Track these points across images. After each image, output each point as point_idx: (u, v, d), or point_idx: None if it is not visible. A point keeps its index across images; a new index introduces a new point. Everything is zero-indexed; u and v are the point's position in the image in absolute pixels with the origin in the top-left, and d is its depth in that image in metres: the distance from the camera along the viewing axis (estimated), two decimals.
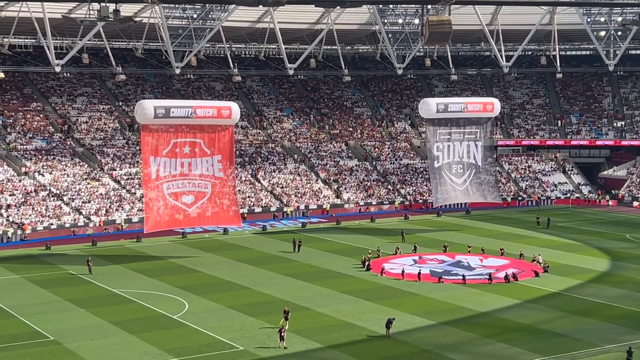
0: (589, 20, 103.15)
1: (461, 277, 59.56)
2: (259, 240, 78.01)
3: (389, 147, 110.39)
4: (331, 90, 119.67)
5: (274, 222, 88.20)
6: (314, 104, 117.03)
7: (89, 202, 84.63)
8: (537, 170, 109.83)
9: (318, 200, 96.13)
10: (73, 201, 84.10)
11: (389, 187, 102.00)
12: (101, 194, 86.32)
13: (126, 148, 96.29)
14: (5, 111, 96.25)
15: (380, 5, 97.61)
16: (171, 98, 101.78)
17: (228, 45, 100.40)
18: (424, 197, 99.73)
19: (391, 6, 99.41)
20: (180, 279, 60.34)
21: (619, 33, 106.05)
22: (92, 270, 62.11)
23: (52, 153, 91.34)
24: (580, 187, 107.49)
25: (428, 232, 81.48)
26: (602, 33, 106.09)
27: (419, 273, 60.38)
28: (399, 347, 43.77)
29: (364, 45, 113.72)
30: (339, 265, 65.29)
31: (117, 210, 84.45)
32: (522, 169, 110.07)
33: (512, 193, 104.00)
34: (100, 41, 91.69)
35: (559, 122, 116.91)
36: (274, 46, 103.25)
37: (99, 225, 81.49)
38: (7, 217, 78.77)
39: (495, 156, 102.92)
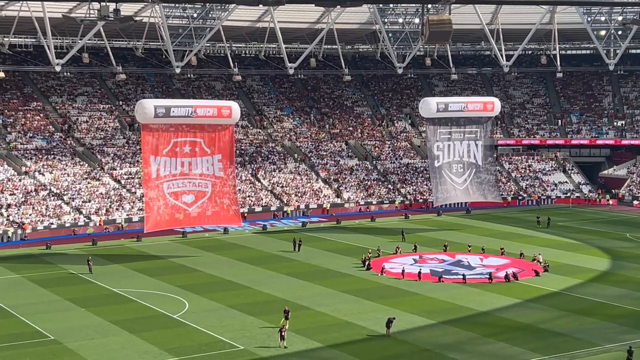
0: (589, 19, 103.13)
1: (461, 277, 59.55)
2: (259, 239, 78.01)
3: (389, 147, 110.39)
4: (331, 89, 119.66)
5: (274, 222, 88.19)
6: (314, 103, 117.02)
7: (89, 201, 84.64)
8: (537, 170, 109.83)
9: (318, 199, 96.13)
10: (73, 200, 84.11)
11: (389, 186, 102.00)
12: (101, 194, 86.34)
13: (126, 147, 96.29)
14: (6, 110, 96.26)
15: (381, 5, 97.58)
16: (171, 97, 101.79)
17: (228, 45, 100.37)
18: (424, 197, 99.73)
19: (391, 5, 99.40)
20: (181, 278, 60.35)
21: (619, 32, 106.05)
22: (92, 269, 62.12)
23: (52, 152, 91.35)
24: (580, 186, 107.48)
25: (428, 232, 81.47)
26: (603, 32, 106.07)
27: (419, 272, 60.38)
28: (399, 346, 43.77)
29: (364, 44, 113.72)
30: (339, 264, 65.29)
31: (117, 209, 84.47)
32: (522, 168, 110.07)
33: (512, 192, 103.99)
34: (101, 40, 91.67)
35: (559, 121, 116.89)
36: (274, 45, 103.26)
37: (99, 224, 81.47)
38: (8, 216, 78.78)
39: (495, 155, 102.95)
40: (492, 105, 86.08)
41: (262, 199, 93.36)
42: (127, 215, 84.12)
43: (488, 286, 57.53)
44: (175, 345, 43.62)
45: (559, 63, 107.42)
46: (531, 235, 79.49)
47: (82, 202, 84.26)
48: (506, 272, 60.38)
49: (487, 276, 59.61)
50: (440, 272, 61.58)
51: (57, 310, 51.45)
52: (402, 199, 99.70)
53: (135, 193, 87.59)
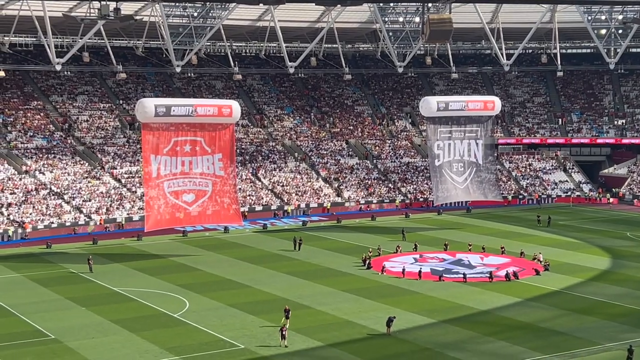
0: (589, 18, 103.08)
1: (462, 276, 59.56)
2: (259, 238, 78.01)
3: (389, 146, 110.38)
4: (332, 88, 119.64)
5: (274, 221, 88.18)
6: (315, 102, 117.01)
7: (90, 200, 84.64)
8: (537, 169, 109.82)
9: (319, 198, 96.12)
10: (74, 200, 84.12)
11: (390, 185, 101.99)
12: (102, 193, 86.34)
13: (127, 146, 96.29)
14: (6, 110, 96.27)
15: (381, 4, 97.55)
16: (172, 96, 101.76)
17: (229, 44, 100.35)
18: (425, 196, 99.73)
19: (392, 4, 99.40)
20: (181, 277, 60.36)
21: (620, 31, 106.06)
22: (92, 268, 62.12)
23: (52, 151, 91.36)
24: (581, 185, 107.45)
25: (429, 231, 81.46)
26: (603, 31, 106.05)
27: (420, 271, 60.39)
28: (399, 345, 43.76)
29: (365, 43, 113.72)
30: (339, 263, 65.29)
31: (117, 208, 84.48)
32: (522, 167, 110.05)
33: (512, 191, 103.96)
34: (101, 39, 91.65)
35: (560, 120, 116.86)
36: (275, 44, 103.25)
37: (100, 223, 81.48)
38: (8, 215, 78.80)
39: (496, 154, 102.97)
40: (493, 104, 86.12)
41: (262, 198, 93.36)
42: (128, 214, 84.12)
43: (488, 285, 57.53)
44: (176, 344, 43.62)
45: (559, 62, 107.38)
46: (532, 234, 79.47)
47: (83, 201, 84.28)
48: (507, 271, 60.38)
49: (488, 275, 59.61)
50: (440, 271, 61.59)
51: (57, 309, 51.45)
52: (402, 198, 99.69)
53: (136, 192, 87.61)
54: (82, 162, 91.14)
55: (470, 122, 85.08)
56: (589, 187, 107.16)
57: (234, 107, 73.98)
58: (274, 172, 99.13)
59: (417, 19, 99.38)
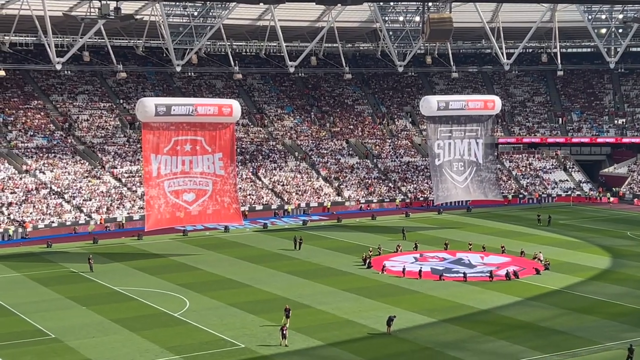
0: (589, 17, 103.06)
1: (462, 275, 59.57)
2: (259, 238, 78.02)
3: (389, 145, 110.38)
4: (332, 87, 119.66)
5: (274, 220, 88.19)
6: (315, 101, 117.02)
7: (90, 200, 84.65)
8: (538, 168, 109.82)
9: (319, 198, 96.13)
10: (74, 199, 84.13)
11: (390, 184, 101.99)
12: (102, 192, 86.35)
13: (127, 146, 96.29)
14: (6, 109, 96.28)
15: (381, 3, 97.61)
16: (172, 96, 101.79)
17: (229, 43, 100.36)
18: (425, 195, 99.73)
19: (392, 3, 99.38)
20: (181, 276, 60.38)
21: (620, 30, 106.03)
22: (93, 268, 62.15)
23: (53, 151, 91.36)
24: (581, 184, 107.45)
25: (429, 230, 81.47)
26: (603, 30, 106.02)
27: (420, 271, 60.41)
28: (399, 344, 43.78)
29: (365, 42, 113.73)
30: (339, 262, 65.31)
31: (118, 208, 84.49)
32: (523, 166, 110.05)
33: (513, 191, 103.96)
34: (101, 39, 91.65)
35: (560, 119, 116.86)
36: (275, 44, 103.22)
37: (100, 223, 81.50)
38: (8, 215, 78.81)
39: (496, 154, 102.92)
40: (493, 103, 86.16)
41: (262, 198, 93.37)
42: (128, 213, 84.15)
43: (489, 284, 57.55)
44: (176, 344, 43.63)
45: (559, 61, 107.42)
46: (532, 233, 79.49)
47: (83, 200, 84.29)
48: (507, 270, 60.40)
49: (488, 274, 59.63)
50: (441, 271, 61.60)
51: (58, 308, 51.47)
52: (402, 197, 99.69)
53: (136, 191, 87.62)
54: (82, 162, 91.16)
55: (471, 121, 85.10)
56: (589, 186, 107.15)
57: (234, 106, 73.99)
58: (274, 171, 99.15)
59: (418, 18, 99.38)
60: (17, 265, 64.76)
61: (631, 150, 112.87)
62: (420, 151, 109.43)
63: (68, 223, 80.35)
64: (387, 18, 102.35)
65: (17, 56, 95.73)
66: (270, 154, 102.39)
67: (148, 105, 69.61)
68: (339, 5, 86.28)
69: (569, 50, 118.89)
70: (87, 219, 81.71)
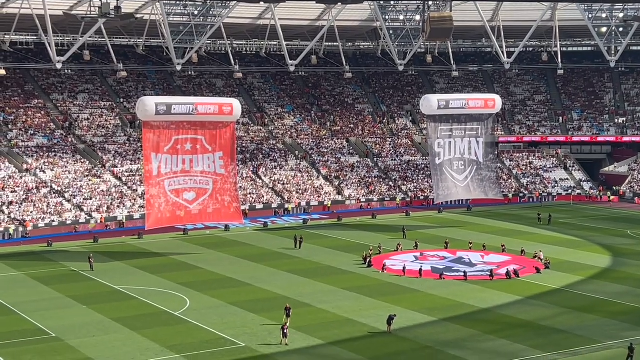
0: (590, 16, 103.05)
1: (462, 274, 59.58)
2: (260, 236, 78.04)
3: (390, 144, 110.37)
4: (332, 86, 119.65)
5: (275, 219, 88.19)
6: (315, 100, 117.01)
7: (91, 199, 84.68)
8: (538, 167, 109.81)
9: (319, 196, 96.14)
10: (74, 198, 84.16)
11: (390, 183, 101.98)
12: (102, 191, 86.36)
13: (127, 145, 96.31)
14: (7, 108, 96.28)
15: (382, 2, 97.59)
16: (172, 95, 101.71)
17: (229, 42, 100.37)
18: (425, 194, 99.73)
19: (392, 2, 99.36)
20: (182, 275, 60.41)
21: (621, 29, 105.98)
22: (93, 267, 62.18)
23: (53, 150, 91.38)
24: (581, 183, 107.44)
25: (429, 229, 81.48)
26: (604, 29, 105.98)
27: (420, 269, 60.42)
28: (400, 343, 43.79)
29: (365, 41, 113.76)
30: (340, 261, 65.32)
31: (118, 207, 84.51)
32: (523, 165, 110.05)
33: (513, 190, 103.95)
34: (102, 38, 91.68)
35: (561, 118, 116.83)
36: (275, 43, 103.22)
37: (101, 221, 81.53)
38: (9, 214, 78.84)
39: (496, 153, 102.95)
40: (493, 102, 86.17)
41: (263, 196, 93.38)
42: (128, 212, 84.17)
43: (489, 283, 57.56)
44: (177, 343, 43.65)
45: (560, 60, 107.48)
46: (532, 232, 79.49)
47: (84, 199, 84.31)
48: (507, 269, 60.41)
49: (488, 273, 59.64)
50: (441, 269, 61.58)
51: (58, 307, 51.49)
52: (403, 196, 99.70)
53: (137, 190, 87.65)
54: (82, 161, 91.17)
55: (471, 120, 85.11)
56: (589, 185, 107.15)
57: (235, 105, 73.97)
58: (274, 170, 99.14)
59: (418, 17, 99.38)
60: (17, 264, 64.79)
61: (631, 149, 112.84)
62: (420, 150, 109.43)
63: (68, 222, 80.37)
64: (387, 17, 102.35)
65: (18, 55, 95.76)
66: (271, 153, 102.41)
67: (148, 104, 69.60)
68: (340, 4, 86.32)
69: (570, 49, 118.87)
70: (88, 218, 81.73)
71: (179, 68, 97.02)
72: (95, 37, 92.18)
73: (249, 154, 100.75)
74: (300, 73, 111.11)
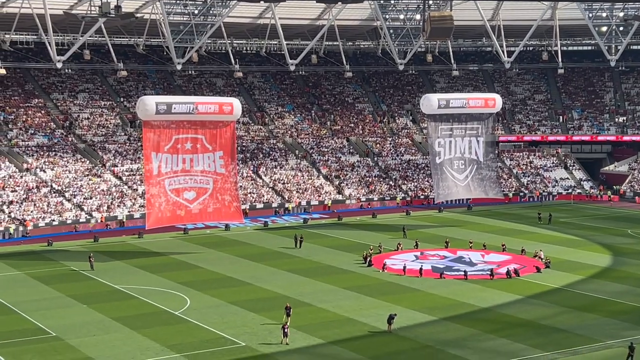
0: (590, 15, 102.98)
1: (463, 273, 59.58)
2: (260, 236, 78.04)
3: (390, 143, 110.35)
4: (332, 86, 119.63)
5: (275, 218, 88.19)
6: (316, 99, 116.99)
7: (91, 198, 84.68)
8: (538, 166, 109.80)
9: (319, 196, 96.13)
10: (75, 197, 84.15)
11: (391, 183, 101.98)
12: (103, 190, 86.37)
13: (128, 144, 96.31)
14: (7, 107, 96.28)
15: (382, 1, 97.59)
16: (172, 94, 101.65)
17: (229, 41, 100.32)
18: (426, 193, 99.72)
19: (392, 2, 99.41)
20: (182, 275, 60.41)
21: (621, 28, 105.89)
22: (93, 266, 62.18)
23: (53, 149, 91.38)
24: (581, 182, 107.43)
25: (430, 228, 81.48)
26: (604, 28, 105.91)
27: (421, 269, 60.41)
28: (400, 342, 43.79)
29: (365, 41, 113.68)
30: (340, 261, 65.31)
31: (118, 206, 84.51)
32: (523, 164, 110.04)
33: (513, 189, 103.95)
34: (102, 37, 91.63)
35: (561, 117, 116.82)
36: (275, 42, 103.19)
37: (101, 221, 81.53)
38: (9, 213, 78.83)
39: (496, 152, 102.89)
40: (494, 101, 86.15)
41: (263, 196, 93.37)
42: (129, 212, 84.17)
43: (489, 282, 57.56)
44: (177, 342, 43.66)
45: (560, 59, 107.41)
46: (532, 231, 79.50)
47: (84, 198, 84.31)
48: (507, 268, 60.42)
49: (489, 272, 59.63)
50: (441, 269, 61.58)
51: (58, 306, 51.50)
52: (403, 195, 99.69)
53: (137, 190, 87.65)
54: (83, 160, 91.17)
55: (471, 119, 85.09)
56: (589, 184, 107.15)
57: (235, 104, 73.95)
58: (274, 169, 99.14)
59: (418, 17, 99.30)
60: (17, 263, 64.79)
61: (632, 148, 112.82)
62: (420, 149, 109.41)
63: (69, 221, 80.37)
64: (387, 16, 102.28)
65: (18, 54, 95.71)
66: (271, 152, 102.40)
67: (149, 104, 69.57)
68: (340, 3, 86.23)
69: (570, 48, 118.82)
70: (88, 217, 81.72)
71: (179, 67, 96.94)
72: (96, 37, 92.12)
73: (249, 153, 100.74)
74: (300, 72, 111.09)
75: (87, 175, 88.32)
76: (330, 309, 50.45)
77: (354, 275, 60.18)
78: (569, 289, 55.78)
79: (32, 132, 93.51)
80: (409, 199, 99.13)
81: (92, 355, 41.68)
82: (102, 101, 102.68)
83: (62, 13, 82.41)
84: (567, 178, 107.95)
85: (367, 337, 44.99)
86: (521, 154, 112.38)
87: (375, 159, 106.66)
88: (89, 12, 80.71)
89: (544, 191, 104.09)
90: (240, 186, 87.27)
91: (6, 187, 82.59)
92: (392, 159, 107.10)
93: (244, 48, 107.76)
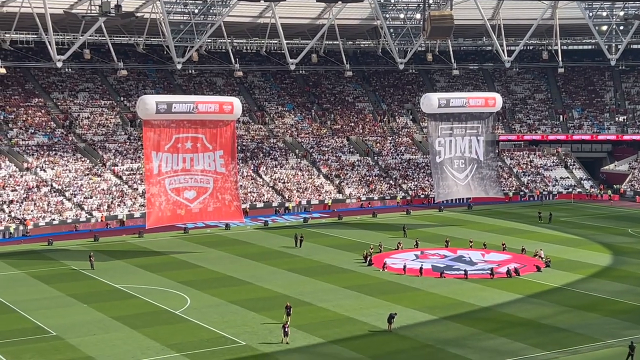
0: (590, 14, 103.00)
1: (463, 272, 59.57)
2: (260, 235, 78.04)
3: (390, 142, 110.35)
4: (333, 85, 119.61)
5: (275, 218, 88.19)
6: (316, 99, 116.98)
7: (91, 197, 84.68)
8: (539, 165, 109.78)
9: (320, 195, 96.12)
10: (75, 197, 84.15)
11: (391, 182, 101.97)
12: (103, 190, 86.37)
13: (128, 143, 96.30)
14: (7, 107, 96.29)
15: (382, 0, 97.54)
16: (173, 93, 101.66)
17: (229, 41, 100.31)
18: (426, 192, 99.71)
19: (393, 1, 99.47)
20: (182, 274, 60.40)
21: (621, 27, 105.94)
22: (94, 265, 62.19)
23: (53, 149, 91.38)
24: (582, 181, 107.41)
25: (430, 227, 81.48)
26: (604, 27, 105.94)
27: (421, 268, 60.37)
28: (400, 342, 43.78)
29: (366, 40, 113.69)
30: (340, 260, 65.30)
31: (119, 205, 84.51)
32: (524, 163, 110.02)
33: (513, 188, 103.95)
34: (102, 36, 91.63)
35: (561, 116, 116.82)
36: (276, 41, 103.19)
37: (101, 220, 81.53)
38: (9, 212, 78.84)
39: (497, 151, 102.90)
40: (494, 100, 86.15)
41: (263, 195, 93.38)
42: (129, 211, 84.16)
43: (489, 282, 57.55)
44: (177, 341, 43.65)
45: (560, 58, 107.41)
46: (533, 230, 79.49)
47: (84, 198, 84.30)
48: (508, 267, 60.43)
49: (489, 272, 59.62)
50: (441, 268, 61.58)
51: (59, 306, 51.50)
52: (403, 194, 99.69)
53: (137, 189, 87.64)
54: (83, 159, 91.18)
55: (472, 118, 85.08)
56: (590, 183, 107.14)
57: (235, 104, 73.92)
58: (275, 169, 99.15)
59: (418, 16, 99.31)
60: (18, 262, 64.79)
61: (632, 147, 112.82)
62: (421, 148, 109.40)
63: (69, 221, 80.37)
64: (387, 15, 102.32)
65: (18, 54, 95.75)
66: (271, 152, 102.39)
67: (149, 103, 69.56)
68: (340, 2, 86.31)
69: (570, 47, 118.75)
70: (88, 216, 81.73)
71: (179, 66, 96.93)
72: (96, 36, 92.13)
73: (249, 152, 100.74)
74: (300, 71, 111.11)
75: (88, 174, 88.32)
76: (330, 308, 50.44)
77: (354, 275, 60.17)
78: (569, 288, 55.77)
79: (32, 131, 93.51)
80: (409, 198, 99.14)
81: (92, 354, 41.67)
82: (103, 100, 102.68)
83: (62, 12, 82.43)
84: (568, 177, 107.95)
85: (367, 336, 44.98)
86: (521, 153, 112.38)
87: (376, 158, 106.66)
88: (89, 11, 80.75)
89: (544, 190, 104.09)
90: (241, 185, 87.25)
91: (6, 186, 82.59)
92: (393, 158, 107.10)
93: (244, 47, 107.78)
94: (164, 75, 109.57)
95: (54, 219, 79.85)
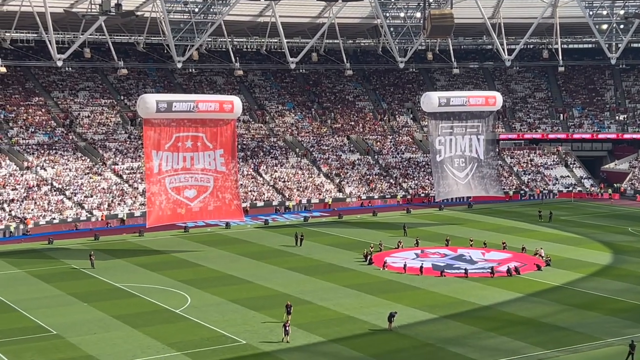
0: (591, 13, 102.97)
1: (463, 271, 59.59)
2: (261, 234, 78.06)
3: (390, 141, 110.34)
4: (333, 84, 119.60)
5: (276, 216, 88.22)
6: (316, 97, 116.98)
7: (91, 196, 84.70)
8: (539, 164, 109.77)
9: (320, 194, 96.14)
10: (75, 195, 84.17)
11: (391, 181, 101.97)
12: (103, 189, 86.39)
13: (128, 142, 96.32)
14: (7, 106, 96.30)
15: None
16: (173, 92, 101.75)
17: (230, 40, 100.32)
18: (426, 191, 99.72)
19: (393, 0, 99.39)
20: (183, 273, 60.42)
21: (621, 26, 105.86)
22: (94, 264, 62.20)
23: (54, 147, 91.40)
24: (582, 180, 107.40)
25: (430, 226, 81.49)
26: (604, 26, 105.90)
27: (421, 267, 60.38)
28: (401, 340, 43.79)
29: (366, 39, 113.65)
30: (341, 259, 65.32)
31: (119, 204, 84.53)
32: (524, 162, 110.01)
33: (514, 187, 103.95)
34: (102, 35, 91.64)
35: (561, 115, 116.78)
36: (276, 40, 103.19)
37: (101, 219, 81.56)
38: (10, 211, 78.86)
39: (497, 150, 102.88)
40: (494, 99, 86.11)
41: (264, 194, 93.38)
42: (129, 210, 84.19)
43: (490, 280, 57.56)
44: (178, 340, 43.67)
45: (560, 57, 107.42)
46: (533, 229, 79.49)
47: (84, 197, 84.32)
48: (508, 266, 60.43)
49: (489, 270, 59.64)
50: (442, 267, 61.60)
51: (59, 305, 51.52)
52: (403, 193, 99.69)
53: (137, 188, 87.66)
54: (83, 158, 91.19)
55: (472, 117, 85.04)
56: (590, 182, 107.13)
57: (236, 102, 73.90)
58: (275, 167, 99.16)
59: (419, 15, 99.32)
60: (18, 261, 64.81)
61: (632, 146, 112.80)
62: (421, 147, 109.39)
63: (69, 220, 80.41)
64: (388, 14, 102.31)
65: (18, 53, 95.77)
66: (271, 151, 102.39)
67: (149, 102, 69.54)
68: (340, 1, 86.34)
69: (570, 46, 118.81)
70: (89, 215, 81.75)
71: (179, 65, 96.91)
72: (96, 35, 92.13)
73: (249, 151, 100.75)
74: (300, 70, 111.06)
75: (88, 173, 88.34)
76: (330, 307, 50.45)
77: (355, 273, 60.19)
78: (570, 287, 55.77)
79: (33, 130, 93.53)
80: (409, 197, 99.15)
81: (92, 353, 41.69)
82: (103, 99, 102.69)
83: (62, 11, 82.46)
84: (568, 176, 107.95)
85: (367, 335, 44.99)
86: (522, 151, 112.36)
87: (376, 157, 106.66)
88: (89, 10, 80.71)
89: (544, 189, 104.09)
90: (241, 184, 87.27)
91: (7, 185, 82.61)
92: (393, 157, 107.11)
93: (245, 46, 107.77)
94: (164, 74, 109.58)
95: (54, 218, 79.89)
